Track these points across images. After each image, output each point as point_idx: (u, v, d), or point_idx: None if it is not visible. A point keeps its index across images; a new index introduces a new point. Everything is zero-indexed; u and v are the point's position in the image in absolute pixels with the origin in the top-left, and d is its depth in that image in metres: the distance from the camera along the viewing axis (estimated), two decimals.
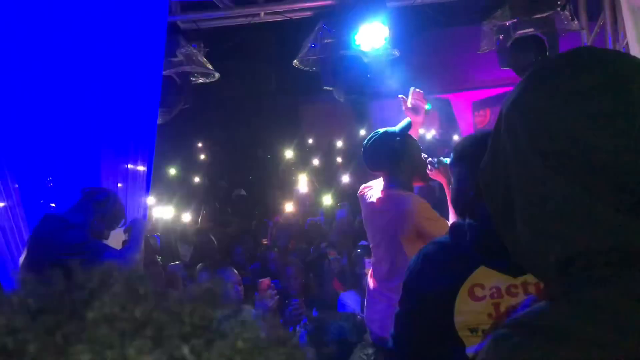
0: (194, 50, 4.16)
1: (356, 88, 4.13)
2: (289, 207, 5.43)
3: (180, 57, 4.06)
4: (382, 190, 2.68)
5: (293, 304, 3.77)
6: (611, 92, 0.64)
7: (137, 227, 2.99)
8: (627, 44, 3.95)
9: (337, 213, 4.99)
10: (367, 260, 3.69)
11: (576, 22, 4.07)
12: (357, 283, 4.07)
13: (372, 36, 3.70)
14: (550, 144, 0.65)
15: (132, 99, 3.33)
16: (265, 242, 5.30)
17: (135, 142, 3.45)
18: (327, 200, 5.27)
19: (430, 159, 2.54)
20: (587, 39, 4.43)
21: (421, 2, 4.00)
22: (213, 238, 4.70)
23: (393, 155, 2.64)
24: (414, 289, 1.47)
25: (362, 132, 12.55)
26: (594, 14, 4.32)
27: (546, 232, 0.67)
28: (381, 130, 2.74)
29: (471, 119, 14.44)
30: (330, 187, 6.03)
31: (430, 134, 12.75)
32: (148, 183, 3.59)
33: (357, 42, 3.73)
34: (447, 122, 14.44)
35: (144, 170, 3.55)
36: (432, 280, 1.42)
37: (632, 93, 0.64)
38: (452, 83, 12.50)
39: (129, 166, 3.47)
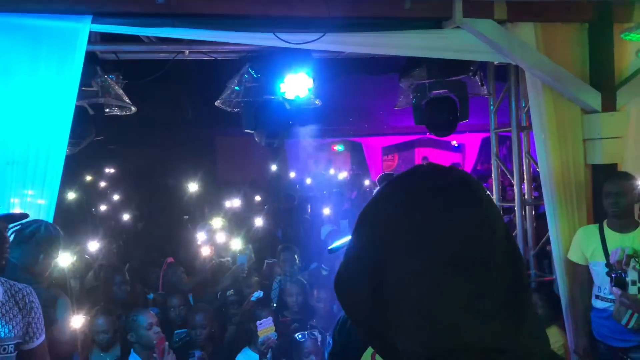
0: (111, 82, 4.00)
1: (277, 133, 4.16)
2: (197, 245, 5.25)
3: (95, 88, 3.89)
4: None
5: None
6: None
7: None
8: (527, 110, 4.32)
9: (238, 258, 4.85)
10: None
11: (484, 88, 4.40)
12: (251, 339, 3.82)
13: (297, 86, 3.76)
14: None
15: (40, 127, 3.12)
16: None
17: (41, 172, 3.21)
18: (237, 243, 5.11)
19: None
20: (493, 103, 4.79)
21: (345, 57, 4.13)
22: (117, 276, 4.42)
23: None
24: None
25: (274, 168, 12.60)
26: (501, 79, 4.69)
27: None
28: None
29: (380, 162, 15.01)
30: (242, 228, 5.93)
31: (342, 174, 13.02)
32: (50, 215, 3.34)
33: (281, 90, 3.77)
34: (358, 164, 14.89)
35: (46, 202, 3.31)
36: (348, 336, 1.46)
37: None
38: (365, 128, 12.95)
39: (31, 195, 3.22)
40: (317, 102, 4.22)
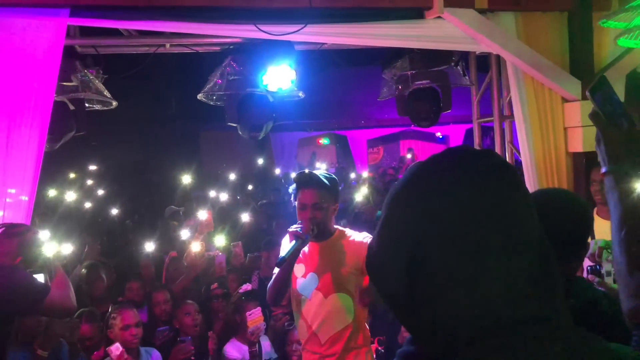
0: (91, 76, 3.95)
1: (261, 126, 4.14)
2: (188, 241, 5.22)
3: (75, 83, 3.83)
4: None
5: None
6: None
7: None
8: (509, 100, 4.35)
9: (216, 256, 4.85)
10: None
11: (467, 78, 4.41)
12: (238, 330, 3.88)
13: (279, 78, 3.74)
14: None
15: (17, 123, 3.07)
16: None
17: (19, 169, 3.16)
18: (221, 239, 5.08)
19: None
20: (475, 94, 4.82)
21: (328, 48, 4.12)
22: (102, 275, 4.38)
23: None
24: None
25: (260, 161, 12.57)
26: (483, 69, 4.72)
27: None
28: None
29: (366, 155, 15.04)
30: (227, 222, 5.90)
31: (323, 166, 13.07)
32: (29, 213, 3.29)
33: (264, 82, 3.75)
34: (344, 157, 14.91)
35: (25, 199, 3.26)
36: None
37: None
38: (350, 121, 12.97)
39: (9, 193, 3.17)
40: (300, 94, 4.20)
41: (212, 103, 4.26)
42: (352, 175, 11.63)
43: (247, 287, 4.37)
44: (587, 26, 3.60)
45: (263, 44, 3.64)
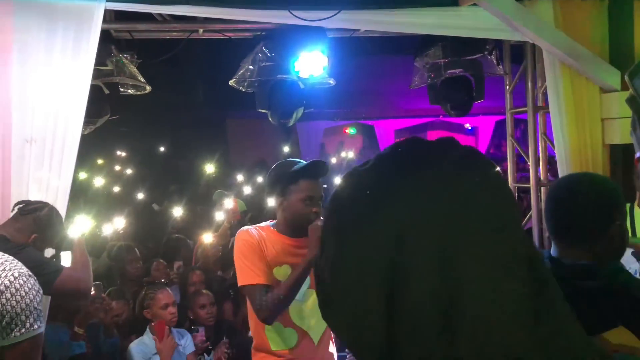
0: (126, 61, 4.00)
1: (291, 113, 4.14)
2: (211, 229, 5.27)
3: (110, 67, 3.89)
4: None
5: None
6: None
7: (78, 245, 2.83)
8: (543, 91, 4.26)
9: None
10: None
11: (500, 67, 4.34)
12: None
13: (311, 64, 3.74)
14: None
15: (57, 106, 3.13)
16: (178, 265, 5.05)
17: (58, 151, 3.22)
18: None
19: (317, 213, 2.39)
20: (509, 83, 4.73)
21: (359, 35, 4.09)
22: (138, 254, 4.48)
23: (271, 189, 2.56)
24: None
25: (286, 149, 12.61)
26: (517, 60, 4.63)
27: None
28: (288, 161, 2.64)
29: None
30: (257, 209, 5.94)
31: (349, 155, 13.02)
32: (66, 195, 3.36)
33: (296, 69, 3.75)
34: (370, 148, 14.84)
35: (63, 182, 3.32)
36: None
37: None
38: (377, 110, 12.88)
39: (48, 175, 3.24)
40: (331, 81, 4.19)
41: (243, 89, 4.28)
42: None
43: None
44: (628, 15, 3.50)
45: (295, 29, 3.63)
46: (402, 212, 0.60)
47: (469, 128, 14.12)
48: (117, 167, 9.90)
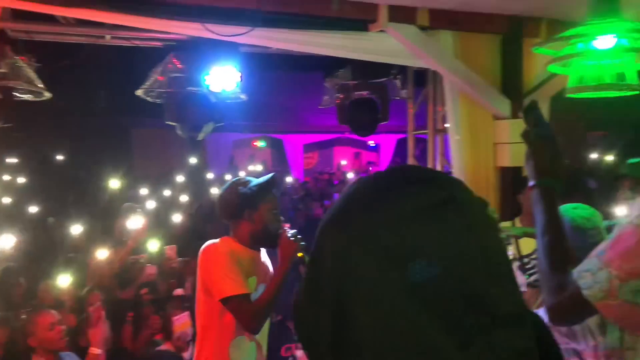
0: (22, 64, 3.76)
1: (200, 127, 4.10)
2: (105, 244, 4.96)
3: (4, 69, 3.64)
4: None
5: None
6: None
7: None
8: (443, 115, 4.54)
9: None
10: None
11: (404, 91, 4.58)
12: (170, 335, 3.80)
13: (223, 78, 3.73)
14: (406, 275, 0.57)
15: None
16: None
17: None
18: (154, 244, 4.87)
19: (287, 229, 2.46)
20: (412, 106, 5.00)
21: (271, 52, 4.15)
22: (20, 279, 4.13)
23: (240, 205, 2.54)
24: None
25: (194, 160, 12.34)
26: (420, 84, 4.91)
27: None
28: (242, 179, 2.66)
29: (301, 159, 15.14)
30: (161, 225, 5.74)
31: (255, 167, 12.98)
32: None
33: (207, 82, 3.72)
34: (279, 161, 14.92)
35: None
36: None
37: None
38: (287, 124, 13.01)
39: None
40: (242, 96, 4.20)
41: (150, 100, 4.17)
42: (289, 179, 11.68)
43: (178, 292, 4.29)
44: (518, 50, 3.84)
45: (208, 42, 3.61)
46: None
47: (373, 145, 14.66)
48: (7, 177, 9.17)
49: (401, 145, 11.77)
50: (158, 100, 4.16)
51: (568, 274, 1.17)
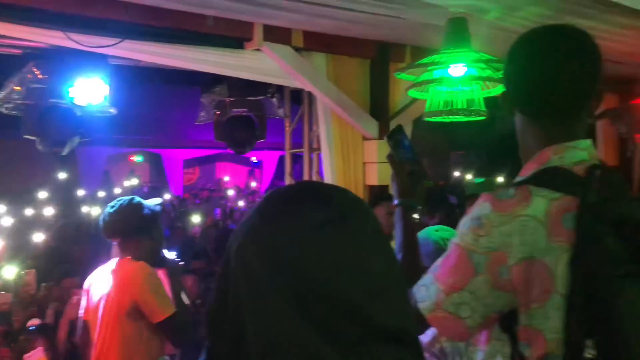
0: None
1: (64, 142, 3.84)
2: None
3: None
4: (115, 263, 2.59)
5: None
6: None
7: None
8: (317, 135, 4.68)
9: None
10: None
11: (281, 110, 4.66)
12: None
13: (89, 91, 3.54)
14: (292, 286, 0.62)
15: None
16: None
17: None
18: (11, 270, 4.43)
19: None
20: (288, 125, 5.09)
21: (146, 65, 4.02)
22: None
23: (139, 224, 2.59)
24: None
25: (63, 176, 11.50)
26: (298, 102, 5.02)
27: None
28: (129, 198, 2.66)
29: (181, 175, 14.72)
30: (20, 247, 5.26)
31: (130, 182, 12.44)
32: None
33: (71, 95, 3.51)
34: (157, 176, 14.39)
35: None
36: None
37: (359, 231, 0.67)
38: (166, 139, 12.61)
39: None
40: (112, 110, 4.01)
41: (6, 112, 3.84)
42: (167, 196, 11.28)
43: (34, 322, 3.92)
44: (385, 74, 4.07)
45: (72, 53, 3.41)
46: None
47: (255, 161, 14.69)
48: None
49: (283, 161, 11.92)
50: (15, 113, 3.83)
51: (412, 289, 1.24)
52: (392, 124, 4.08)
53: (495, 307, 1.12)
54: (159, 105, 10.61)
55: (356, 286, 0.62)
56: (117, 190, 11.79)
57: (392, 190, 1.55)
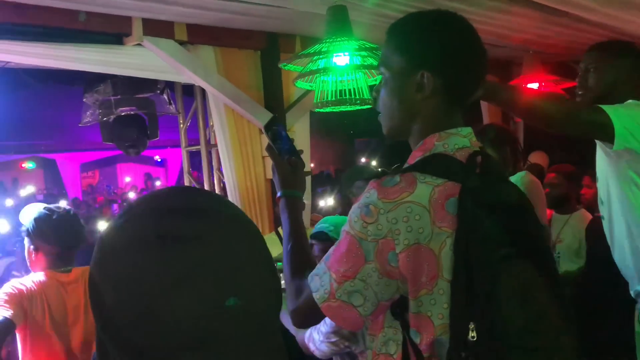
0: None
1: None
2: None
3: None
4: None
5: None
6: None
7: None
8: (214, 129, 4.56)
9: None
10: None
11: (173, 106, 4.47)
12: None
13: None
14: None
15: None
16: None
17: None
18: None
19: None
20: (182, 121, 4.91)
21: (14, 66, 3.70)
22: None
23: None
24: None
25: None
26: (190, 97, 4.85)
27: None
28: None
29: (79, 179, 13.90)
30: None
31: (27, 192, 11.65)
32: None
33: None
34: (54, 182, 13.51)
35: None
36: None
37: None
38: (59, 143, 11.83)
39: None
40: None
41: None
42: (63, 203, 10.60)
43: None
44: (275, 66, 4.00)
45: None
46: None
47: (159, 160, 14.16)
48: None
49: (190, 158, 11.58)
50: None
51: (306, 279, 1.22)
52: (289, 116, 4.06)
53: (385, 295, 1.13)
54: (47, 108, 9.93)
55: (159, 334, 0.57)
56: (8, 201, 10.95)
57: (275, 183, 1.52)
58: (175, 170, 13.72)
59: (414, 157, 1.20)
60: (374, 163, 8.53)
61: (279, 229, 3.73)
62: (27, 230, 2.44)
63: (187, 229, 0.59)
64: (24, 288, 2.31)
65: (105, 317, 0.59)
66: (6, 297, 2.25)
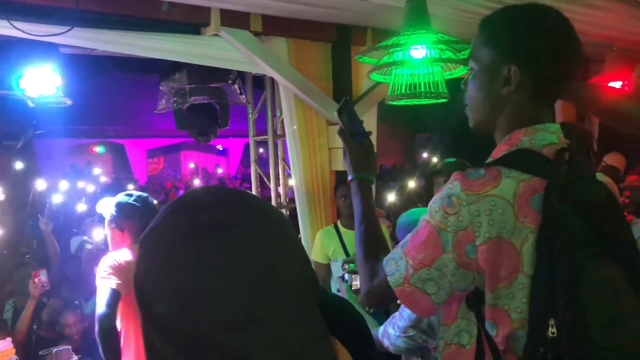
0: None
1: (18, 134, 3.69)
2: None
3: None
4: None
5: None
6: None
7: None
8: (282, 120, 4.62)
9: None
10: None
11: (243, 97, 4.56)
12: None
13: (40, 82, 3.38)
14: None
15: None
16: None
17: None
18: None
19: None
20: (251, 112, 5.01)
21: (100, 53, 3.87)
22: None
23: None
24: None
25: (19, 167, 11.08)
26: (260, 88, 4.93)
27: None
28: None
29: (145, 165, 14.43)
30: None
31: (103, 178, 12.17)
32: None
33: (21, 86, 3.35)
34: (121, 167, 14.08)
35: None
36: None
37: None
38: (128, 129, 12.33)
39: None
40: (67, 101, 3.85)
41: None
42: (131, 186, 11.03)
43: None
44: (346, 58, 4.03)
45: (19, 43, 3.25)
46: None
47: (221, 149, 14.49)
48: None
49: (248, 149, 11.80)
50: None
51: (380, 262, 1.24)
52: (357, 108, 4.05)
53: (460, 285, 1.14)
54: (119, 95, 10.34)
55: (208, 316, 0.59)
56: (80, 183, 11.49)
57: (345, 166, 1.53)
58: (236, 159, 14.02)
59: (499, 151, 1.19)
60: (434, 159, 8.41)
61: (338, 222, 3.74)
62: (112, 215, 2.64)
63: (218, 218, 0.63)
64: (122, 260, 2.51)
65: (149, 308, 0.62)
66: (110, 270, 2.47)
